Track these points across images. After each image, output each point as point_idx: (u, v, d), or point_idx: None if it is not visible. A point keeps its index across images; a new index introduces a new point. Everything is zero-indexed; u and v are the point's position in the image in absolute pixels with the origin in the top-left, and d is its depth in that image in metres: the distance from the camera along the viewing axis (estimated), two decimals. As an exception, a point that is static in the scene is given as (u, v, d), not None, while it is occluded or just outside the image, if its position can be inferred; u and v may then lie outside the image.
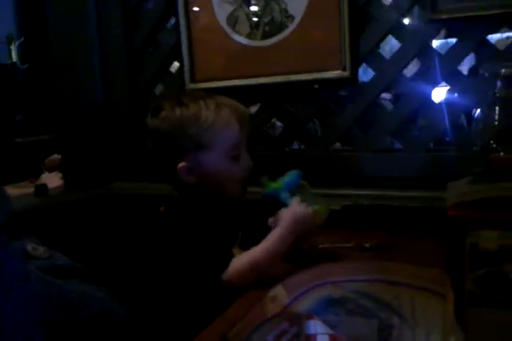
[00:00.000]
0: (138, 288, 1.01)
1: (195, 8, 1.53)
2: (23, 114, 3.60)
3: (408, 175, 1.37)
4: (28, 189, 1.75)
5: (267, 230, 1.08)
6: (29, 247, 0.60)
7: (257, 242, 1.04)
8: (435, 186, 1.00)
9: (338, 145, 1.60)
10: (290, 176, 1.04)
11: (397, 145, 1.47)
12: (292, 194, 1.01)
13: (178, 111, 0.96)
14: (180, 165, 0.96)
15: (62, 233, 1.30)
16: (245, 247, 1.03)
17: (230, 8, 1.49)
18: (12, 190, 1.78)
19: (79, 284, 0.61)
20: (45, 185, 1.59)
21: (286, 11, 1.44)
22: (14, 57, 3.60)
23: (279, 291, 0.49)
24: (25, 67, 3.65)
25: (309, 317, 0.46)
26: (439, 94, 1.53)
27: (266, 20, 1.46)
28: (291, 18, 1.43)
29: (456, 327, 0.47)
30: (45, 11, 1.69)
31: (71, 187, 1.67)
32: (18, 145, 3.19)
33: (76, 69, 1.67)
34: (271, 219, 1.03)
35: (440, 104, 1.49)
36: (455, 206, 0.57)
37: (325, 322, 0.52)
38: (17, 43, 3.59)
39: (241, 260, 0.88)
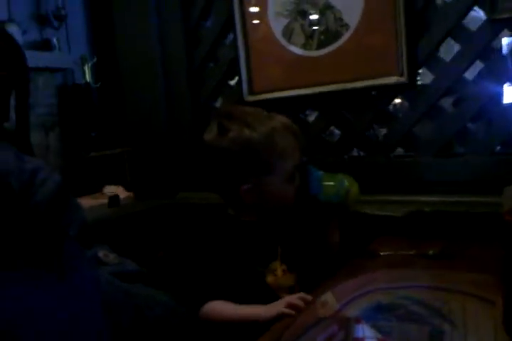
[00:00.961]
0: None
1: (252, 23, 1.58)
2: (97, 131, 3.81)
3: (471, 180, 1.33)
4: (101, 200, 1.86)
5: (308, 243, 1.10)
6: (101, 254, 0.66)
7: (298, 256, 1.06)
8: (500, 191, 0.97)
9: (400, 151, 1.58)
10: (312, 177, 1.06)
11: (461, 150, 1.43)
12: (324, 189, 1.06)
13: (247, 132, 0.95)
14: (245, 187, 0.98)
15: (133, 241, 1.38)
16: (287, 261, 1.05)
17: (285, 21, 1.53)
18: (86, 201, 1.91)
19: (144, 288, 0.65)
20: (117, 196, 1.69)
21: (341, 19, 1.45)
22: (88, 76, 3.82)
23: (329, 297, 0.51)
24: (98, 85, 3.87)
25: (358, 320, 0.48)
26: (506, 94, 1.48)
27: (321, 29, 1.48)
28: (346, 26, 1.45)
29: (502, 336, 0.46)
30: (115, 32, 1.81)
31: (140, 197, 1.76)
32: (93, 159, 3.38)
33: (141, 87, 1.77)
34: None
35: (506, 105, 1.44)
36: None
37: (377, 328, 0.53)
38: (90, 64, 3.81)
39: (222, 307, 0.91)
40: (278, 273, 1.02)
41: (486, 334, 0.53)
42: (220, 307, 0.90)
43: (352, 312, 0.52)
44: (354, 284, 0.52)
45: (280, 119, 1.00)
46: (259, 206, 1.01)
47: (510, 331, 0.47)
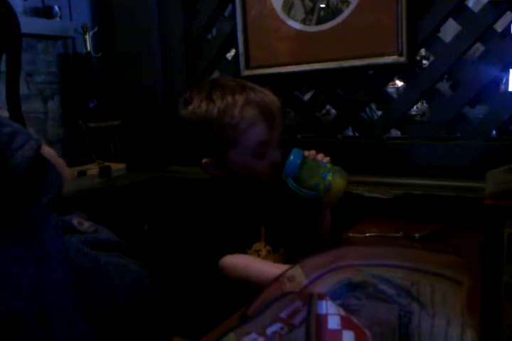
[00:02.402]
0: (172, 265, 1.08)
1: (252, -5, 1.54)
2: (96, 101, 3.79)
3: (464, 165, 1.32)
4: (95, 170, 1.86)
5: (291, 226, 1.09)
6: (75, 221, 0.65)
7: (281, 237, 1.05)
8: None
9: (396, 132, 1.57)
10: (288, 159, 0.98)
11: (456, 134, 1.42)
12: (299, 177, 0.97)
13: (204, 106, 0.94)
14: (205, 160, 0.98)
15: (121, 212, 1.38)
16: (271, 242, 1.04)
17: (285, -6, 1.49)
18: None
19: (119, 258, 0.64)
20: (108, 167, 1.69)
21: (342, -5, 1.42)
22: (89, 46, 3.78)
23: (296, 272, 0.51)
24: (99, 55, 3.83)
25: (321, 297, 0.47)
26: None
27: (321, 5, 1.45)
28: (346, 2, 1.41)
29: (468, 317, 0.46)
30: (112, 3, 1.78)
31: (132, 169, 1.76)
32: (91, 129, 3.37)
33: (137, 58, 1.74)
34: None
35: (505, 90, 1.42)
36: (492, 195, 0.56)
37: (346, 305, 0.52)
38: (91, 33, 3.76)
39: (244, 260, 0.93)
40: (262, 254, 1.02)
41: (454, 315, 0.52)
42: (243, 260, 0.93)
43: (321, 288, 0.51)
44: (324, 260, 0.52)
45: (250, 94, 0.95)
46: (226, 180, 1.01)
47: (496, 316, 0.47)
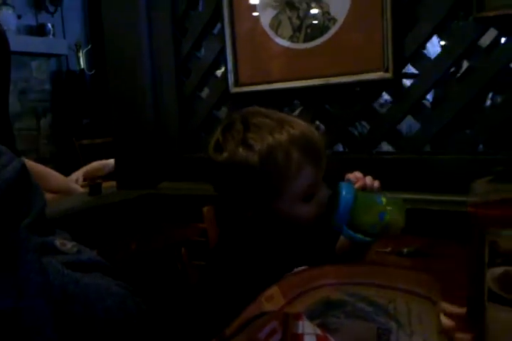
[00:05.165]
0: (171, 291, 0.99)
1: (240, 13, 1.57)
2: (90, 118, 3.80)
3: (452, 178, 1.33)
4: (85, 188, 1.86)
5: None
6: (57, 243, 0.64)
7: None
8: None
9: (384, 147, 1.58)
10: (340, 201, 0.81)
11: (442, 148, 1.43)
12: (352, 220, 0.82)
13: (242, 153, 0.81)
14: (249, 213, 0.85)
15: (110, 230, 1.38)
16: None
17: (273, 12, 1.52)
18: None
19: (101, 278, 0.64)
20: (99, 185, 1.69)
21: (328, 13, 1.44)
22: (82, 63, 3.80)
23: (274, 291, 0.51)
24: (92, 72, 3.84)
25: (297, 316, 0.47)
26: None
27: (308, 23, 1.47)
28: (333, 20, 1.43)
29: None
30: (103, 20, 1.80)
31: (123, 187, 1.76)
32: (84, 146, 3.37)
33: (127, 75, 1.76)
34: None
35: (489, 106, 1.44)
36: (475, 204, 0.57)
37: (325, 324, 0.52)
38: (85, 50, 3.78)
39: None
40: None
41: (430, 333, 0.53)
42: None
43: (299, 307, 0.51)
44: (301, 279, 0.52)
45: (290, 130, 0.82)
46: (270, 228, 0.87)
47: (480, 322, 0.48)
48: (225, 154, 0.82)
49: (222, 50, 1.60)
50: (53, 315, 0.52)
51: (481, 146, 1.41)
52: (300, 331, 0.47)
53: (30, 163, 1.55)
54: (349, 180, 0.87)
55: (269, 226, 0.86)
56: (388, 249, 1.18)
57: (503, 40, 1.30)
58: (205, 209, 1.32)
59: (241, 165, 0.80)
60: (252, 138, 0.81)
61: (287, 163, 0.79)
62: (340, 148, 1.69)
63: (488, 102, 1.47)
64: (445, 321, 0.63)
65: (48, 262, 0.56)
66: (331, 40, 1.44)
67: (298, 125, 0.83)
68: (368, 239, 0.82)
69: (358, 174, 0.89)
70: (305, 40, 1.48)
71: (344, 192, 0.81)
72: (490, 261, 0.55)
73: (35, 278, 0.51)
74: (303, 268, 0.54)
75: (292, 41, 1.50)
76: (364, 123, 1.68)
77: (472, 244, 0.57)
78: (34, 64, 3.54)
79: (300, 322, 0.47)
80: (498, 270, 0.58)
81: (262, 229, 0.87)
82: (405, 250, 1.17)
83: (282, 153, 0.79)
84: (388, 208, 0.81)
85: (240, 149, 0.80)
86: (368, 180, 0.87)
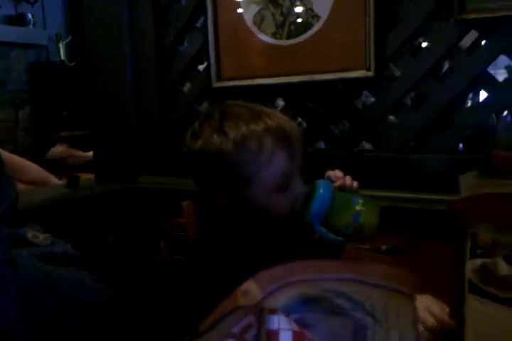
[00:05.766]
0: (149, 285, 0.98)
1: (223, 7, 1.56)
2: (69, 110, 3.74)
3: (430, 178, 1.34)
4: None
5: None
6: (29, 235, 0.63)
7: None
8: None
9: (368, 145, 1.58)
10: (316, 198, 0.81)
11: (422, 147, 1.44)
12: (326, 219, 0.82)
13: (217, 140, 0.82)
14: (222, 200, 0.86)
15: (87, 223, 1.35)
16: None
17: (256, 8, 1.51)
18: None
19: (75, 271, 0.63)
20: (77, 177, 1.66)
21: (312, 10, 1.44)
22: (62, 54, 3.74)
23: (251, 286, 0.50)
24: (73, 64, 3.78)
25: (273, 311, 0.47)
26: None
27: (291, 19, 1.47)
28: (316, 17, 1.43)
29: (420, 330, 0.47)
30: (84, 11, 1.77)
31: (101, 180, 1.74)
32: (63, 139, 3.31)
33: (108, 68, 1.73)
34: None
35: (470, 106, 1.46)
36: (460, 200, 0.59)
37: (303, 320, 0.52)
38: (65, 42, 3.72)
39: None
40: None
41: (407, 327, 0.53)
42: None
43: (276, 302, 0.51)
44: (278, 274, 0.51)
45: (267, 121, 0.83)
46: (244, 218, 0.87)
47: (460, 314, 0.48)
48: (200, 141, 0.84)
49: (205, 44, 1.59)
50: (24, 309, 0.50)
51: (461, 146, 1.43)
52: (276, 326, 0.46)
53: (5, 154, 1.52)
54: (329, 178, 0.87)
55: (244, 217, 0.86)
56: (367, 246, 1.18)
57: (483, 42, 1.31)
58: (184, 203, 1.31)
59: (215, 152, 0.81)
60: (227, 126, 0.82)
61: (260, 151, 0.80)
62: (321, 145, 1.69)
63: (469, 103, 1.48)
64: (428, 319, 0.64)
65: (19, 254, 0.54)
66: (314, 37, 1.44)
67: (276, 117, 0.84)
68: (340, 238, 0.82)
69: (338, 173, 0.89)
70: (288, 37, 1.48)
71: (322, 190, 0.81)
72: (471, 253, 0.56)
73: (4, 271, 0.49)
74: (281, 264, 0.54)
75: (275, 38, 1.49)
76: (345, 121, 1.69)
77: (455, 237, 0.58)
78: (13, 54, 3.47)
79: (276, 317, 0.47)
80: (478, 262, 0.59)
81: (237, 221, 0.87)
82: (383, 247, 1.18)
83: (255, 141, 0.80)
84: (363, 210, 0.81)
85: (215, 136, 0.82)
86: (348, 180, 0.88)
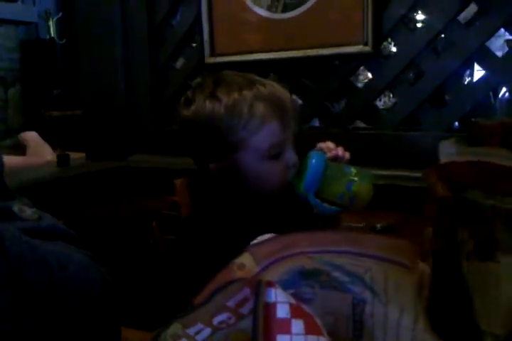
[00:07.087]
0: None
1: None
2: (61, 89, 3.68)
3: (426, 156, 1.32)
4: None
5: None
6: (16, 208, 0.61)
7: None
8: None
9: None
10: (309, 169, 0.81)
11: (418, 125, 1.42)
12: (320, 189, 0.82)
13: (209, 105, 0.83)
14: (213, 165, 0.86)
15: (77, 201, 1.34)
16: None
17: (251, -20, 1.46)
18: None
19: (63, 246, 0.61)
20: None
21: (308, -18, 1.40)
22: (52, 32, 3.66)
23: (246, 259, 0.48)
24: (63, 42, 3.71)
25: (270, 284, 0.45)
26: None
27: (287, -9, 1.43)
28: (313, -10, 1.39)
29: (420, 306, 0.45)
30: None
31: (92, 158, 1.71)
32: (54, 118, 3.26)
33: (98, 44, 1.69)
34: None
35: (468, 82, 1.43)
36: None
37: (299, 294, 0.50)
38: (55, 18, 3.64)
39: None
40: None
41: (407, 303, 0.51)
42: None
43: (273, 276, 0.49)
44: (274, 247, 0.49)
45: (259, 88, 0.83)
46: (234, 185, 0.87)
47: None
48: (193, 107, 0.84)
49: (198, 18, 1.54)
50: (9, 283, 0.49)
51: (456, 124, 1.41)
52: (273, 299, 0.45)
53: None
54: (321, 149, 0.87)
55: (236, 187, 0.86)
56: (362, 224, 1.17)
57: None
58: (177, 181, 1.29)
59: (207, 117, 0.82)
60: (220, 91, 0.82)
61: (252, 116, 0.81)
62: (316, 123, 1.67)
63: (466, 80, 1.46)
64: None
65: (4, 228, 0.53)
66: (309, 10, 1.40)
67: (270, 85, 0.84)
68: (334, 208, 0.83)
69: (330, 144, 0.90)
70: (283, 10, 1.44)
71: (314, 160, 0.81)
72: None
73: None
74: (271, 235, 0.52)
75: (270, 11, 1.45)
76: (341, 98, 1.66)
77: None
78: (2, 31, 3.38)
79: (273, 290, 0.45)
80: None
81: (230, 192, 0.87)
82: (379, 225, 1.17)
83: (247, 106, 0.81)
84: (356, 179, 0.82)
85: (208, 101, 0.82)
86: (340, 150, 0.89)
